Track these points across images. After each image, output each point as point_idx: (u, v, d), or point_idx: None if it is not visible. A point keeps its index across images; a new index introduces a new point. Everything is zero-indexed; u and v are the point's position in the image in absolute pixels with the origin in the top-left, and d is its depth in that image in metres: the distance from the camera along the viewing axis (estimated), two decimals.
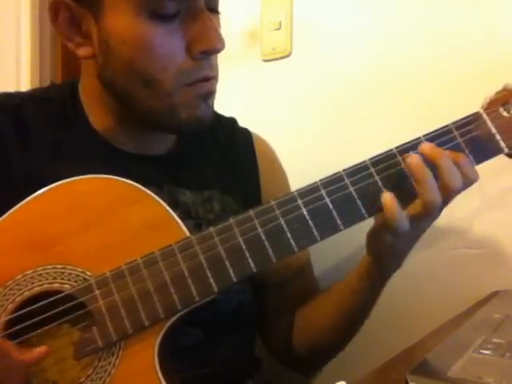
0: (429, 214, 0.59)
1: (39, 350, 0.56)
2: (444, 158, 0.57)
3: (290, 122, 1.07)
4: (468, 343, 0.53)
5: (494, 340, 0.54)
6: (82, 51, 0.67)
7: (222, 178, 0.78)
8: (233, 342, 0.74)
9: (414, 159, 0.57)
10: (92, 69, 0.68)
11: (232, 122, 0.85)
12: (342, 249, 0.94)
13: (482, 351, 0.51)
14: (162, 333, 0.57)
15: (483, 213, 0.86)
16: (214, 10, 0.67)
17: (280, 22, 1.08)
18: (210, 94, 0.68)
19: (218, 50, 0.65)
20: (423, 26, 0.93)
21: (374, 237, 0.64)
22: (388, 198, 0.58)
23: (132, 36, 0.63)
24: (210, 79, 0.67)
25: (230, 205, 0.75)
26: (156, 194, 0.61)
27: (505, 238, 0.84)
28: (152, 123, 0.70)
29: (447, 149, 0.59)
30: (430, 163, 0.57)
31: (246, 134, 0.85)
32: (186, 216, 0.69)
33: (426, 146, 0.58)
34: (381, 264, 0.67)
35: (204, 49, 0.64)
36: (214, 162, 0.79)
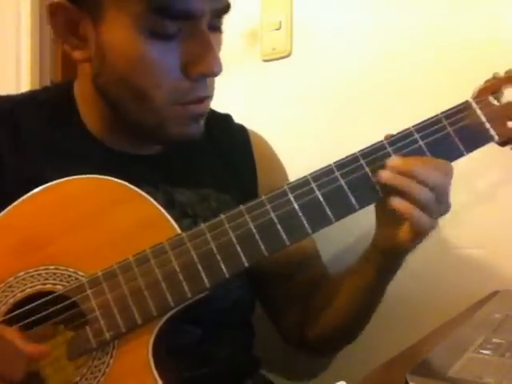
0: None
1: (42, 347, 0.55)
2: (414, 163, 0.58)
3: (290, 122, 1.07)
4: (468, 343, 0.53)
5: (494, 340, 0.54)
6: (78, 54, 0.66)
7: (219, 175, 0.77)
8: (231, 341, 0.74)
9: (385, 174, 0.58)
10: (87, 71, 0.68)
11: (227, 118, 0.85)
12: (339, 240, 0.94)
13: (482, 351, 0.51)
14: (156, 331, 0.57)
15: (483, 213, 0.86)
16: (216, 28, 0.66)
17: (280, 22, 1.08)
18: (202, 115, 0.67)
19: (215, 74, 0.64)
20: (423, 25, 0.92)
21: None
22: (397, 203, 0.58)
23: (129, 51, 0.62)
24: (204, 100, 0.66)
25: (227, 202, 0.74)
26: (151, 193, 0.61)
27: (505, 238, 0.84)
28: (140, 134, 0.70)
29: (437, 138, 0.60)
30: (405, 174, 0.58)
31: (241, 130, 0.84)
32: (182, 215, 0.69)
33: (394, 162, 0.59)
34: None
35: (201, 72, 0.63)
36: (210, 160, 0.78)
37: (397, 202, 0.58)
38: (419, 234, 0.61)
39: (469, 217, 0.86)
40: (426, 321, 0.71)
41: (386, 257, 0.67)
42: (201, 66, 0.62)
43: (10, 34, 1.57)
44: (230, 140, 0.82)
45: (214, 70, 0.63)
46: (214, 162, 0.78)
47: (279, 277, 0.80)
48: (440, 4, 0.91)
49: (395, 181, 0.58)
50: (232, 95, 1.07)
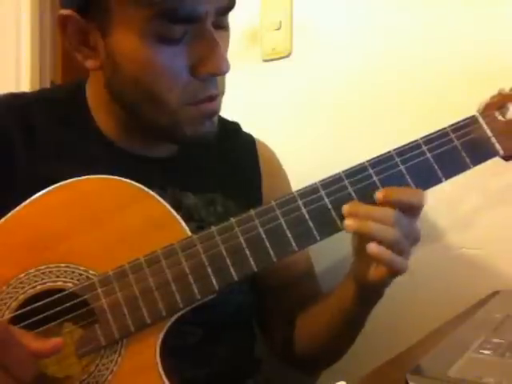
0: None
1: (54, 341, 0.54)
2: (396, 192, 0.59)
3: (290, 122, 1.07)
4: (468, 343, 0.54)
5: (494, 340, 0.54)
6: (90, 63, 0.67)
7: (225, 182, 0.78)
8: (233, 342, 0.74)
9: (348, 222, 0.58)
10: (100, 78, 0.69)
11: (235, 127, 0.85)
12: (343, 249, 0.94)
13: (482, 351, 0.52)
14: (164, 331, 0.57)
15: (483, 213, 0.86)
16: (222, 27, 0.66)
17: (280, 22, 1.08)
18: (215, 113, 0.68)
19: (223, 73, 0.65)
20: (424, 26, 0.93)
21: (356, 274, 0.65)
22: (373, 248, 0.58)
23: (137, 57, 0.63)
24: (215, 98, 0.67)
25: (232, 209, 0.75)
26: (159, 195, 0.61)
27: (505, 237, 0.84)
28: (156, 135, 0.71)
29: (444, 151, 0.60)
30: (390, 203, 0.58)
31: (249, 140, 0.85)
32: (188, 218, 0.69)
33: (379, 195, 0.59)
34: (364, 291, 0.66)
35: (209, 72, 0.63)
36: (218, 167, 0.79)
37: (369, 247, 0.58)
38: (393, 273, 0.61)
39: (469, 217, 0.86)
40: (426, 321, 0.71)
41: (362, 288, 0.66)
42: (208, 66, 0.63)
43: (10, 34, 1.57)
44: (238, 149, 0.82)
45: (222, 69, 0.64)
46: (221, 169, 0.79)
47: (271, 289, 0.80)
48: (441, 4, 0.91)
49: (358, 227, 0.58)
50: (232, 95, 1.07)
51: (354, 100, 0.99)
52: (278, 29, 1.09)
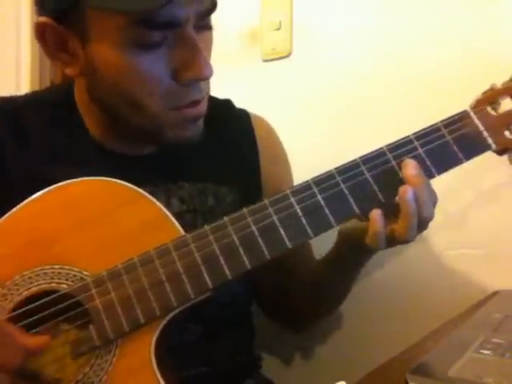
0: (407, 234, 0.60)
1: (41, 339, 0.55)
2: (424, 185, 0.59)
3: (290, 122, 1.07)
4: (468, 343, 0.54)
5: (494, 340, 0.54)
6: (70, 70, 0.66)
7: (218, 167, 0.77)
8: (232, 340, 0.74)
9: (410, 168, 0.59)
10: (82, 82, 0.69)
11: (227, 104, 0.84)
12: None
13: (482, 351, 0.51)
14: (159, 330, 0.58)
15: (483, 213, 0.86)
16: (205, 27, 0.65)
17: (280, 22, 1.08)
18: (199, 117, 0.67)
19: (206, 78, 0.64)
20: (423, 26, 0.93)
21: (347, 232, 0.67)
22: (376, 214, 0.59)
23: (117, 64, 0.62)
24: (200, 102, 0.66)
25: (225, 195, 0.75)
26: (152, 192, 0.62)
27: (504, 237, 0.84)
28: (139, 138, 0.71)
29: (437, 146, 0.60)
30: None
31: (243, 116, 0.84)
32: (183, 210, 0.70)
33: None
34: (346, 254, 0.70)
35: (192, 77, 0.62)
36: (209, 152, 0.77)
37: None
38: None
39: (469, 217, 0.86)
40: (426, 321, 0.71)
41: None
42: (191, 71, 0.62)
43: (10, 34, 1.57)
44: (232, 127, 0.81)
45: (205, 74, 0.62)
46: (212, 153, 0.77)
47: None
48: (440, 5, 0.91)
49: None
50: (232, 95, 1.07)
51: (353, 100, 0.99)
52: (278, 29, 1.09)
